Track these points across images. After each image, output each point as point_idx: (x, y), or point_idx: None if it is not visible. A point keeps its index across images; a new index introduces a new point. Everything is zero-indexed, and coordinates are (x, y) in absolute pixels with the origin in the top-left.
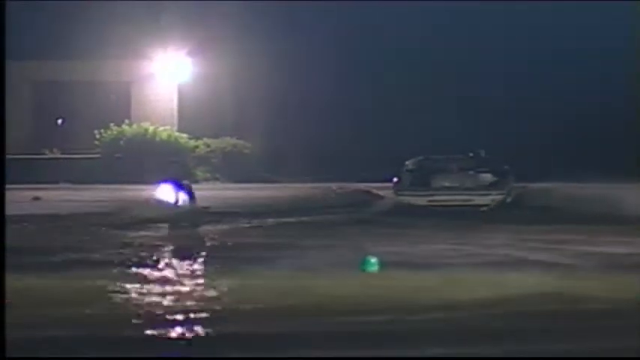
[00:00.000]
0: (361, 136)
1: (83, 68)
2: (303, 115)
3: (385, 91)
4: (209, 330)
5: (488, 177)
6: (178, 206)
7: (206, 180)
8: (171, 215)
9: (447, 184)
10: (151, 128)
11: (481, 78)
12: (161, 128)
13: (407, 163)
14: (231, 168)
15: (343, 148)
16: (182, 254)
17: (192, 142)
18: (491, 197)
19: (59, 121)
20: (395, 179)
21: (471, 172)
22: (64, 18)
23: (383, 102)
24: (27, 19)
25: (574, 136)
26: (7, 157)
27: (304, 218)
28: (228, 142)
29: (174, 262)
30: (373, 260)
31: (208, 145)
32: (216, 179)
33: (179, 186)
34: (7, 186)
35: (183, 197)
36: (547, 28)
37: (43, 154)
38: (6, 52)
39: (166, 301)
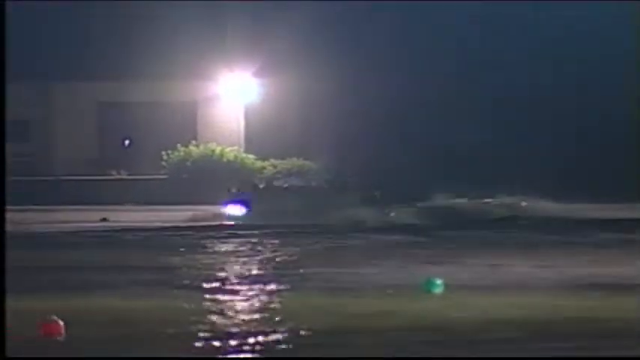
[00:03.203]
0: (428, 154)
1: (149, 89)
2: (368, 134)
3: (453, 106)
4: None
5: None
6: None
7: None
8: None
9: None
10: (218, 149)
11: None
12: (228, 149)
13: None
14: None
15: (410, 167)
16: None
17: (259, 163)
18: None
19: (126, 142)
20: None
21: None
22: (130, 39)
23: (451, 120)
24: (93, 41)
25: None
26: (74, 178)
27: None
28: (294, 162)
29: None
30: (439, 282)
31: (275, 166)
32: None
33: None
34: (75, 207)
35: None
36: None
37: (110, 174)
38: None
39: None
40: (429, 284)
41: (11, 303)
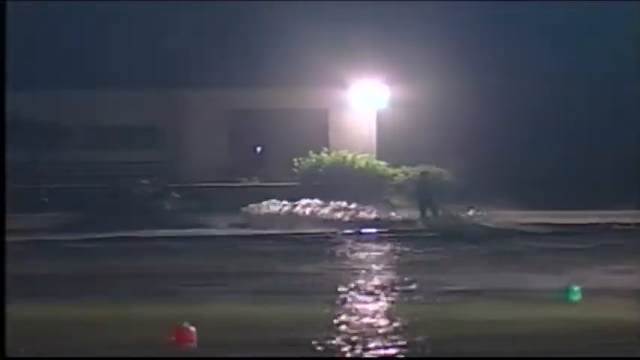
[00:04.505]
0: (562, 158)
1: (279, 96)
2: (501, 140)
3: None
4: None
5: None
6: None
7: (401, 208)
8: None
9: None
10: (350, 156)
11: None
12: (359, 156)
13: None
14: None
15: (545, 172)
16: None
17: (391, 170)
18: None
19: (258, 149)
20: None
21: None
22: (257, 47)
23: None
24: (224, 48)
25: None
26: (206, 185)
27: None
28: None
29: None
30: (576, 289)
31: (406, 173)
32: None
33: None
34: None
35: None
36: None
37: (240, 182)
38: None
39: None
40: (568, 292)
41: (140, 310)
